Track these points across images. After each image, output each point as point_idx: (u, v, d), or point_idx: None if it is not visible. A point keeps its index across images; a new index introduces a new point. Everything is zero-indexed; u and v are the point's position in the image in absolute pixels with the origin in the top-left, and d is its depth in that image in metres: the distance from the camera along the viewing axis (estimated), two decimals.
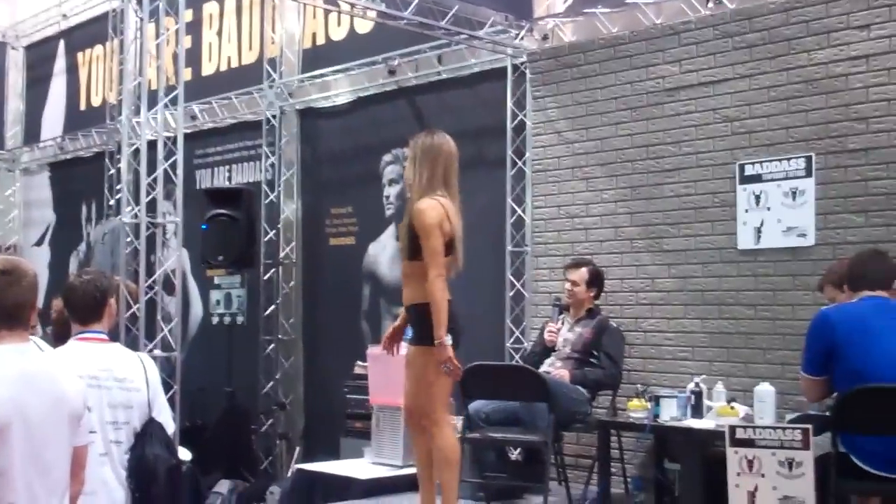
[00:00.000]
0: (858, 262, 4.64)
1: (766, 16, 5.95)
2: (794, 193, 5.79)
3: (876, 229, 5.47)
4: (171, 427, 4.19)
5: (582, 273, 6.21)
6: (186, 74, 8.72)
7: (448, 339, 4.56)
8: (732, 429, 3.37)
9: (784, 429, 3.30)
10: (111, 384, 3.96)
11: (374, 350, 6.35)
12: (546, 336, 6.22)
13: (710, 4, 6.22)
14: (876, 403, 4.22)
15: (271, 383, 8.96)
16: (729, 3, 6.11)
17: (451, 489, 4.66)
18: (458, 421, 5.81)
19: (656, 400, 5.68)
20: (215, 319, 9.60)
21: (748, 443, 3.40)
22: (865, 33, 5.56)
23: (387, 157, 8.25)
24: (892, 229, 5.42)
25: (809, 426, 3.28)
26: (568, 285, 6.23)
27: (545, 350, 6.25)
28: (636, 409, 5.76)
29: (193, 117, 9.79)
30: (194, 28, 9.97)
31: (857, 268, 4.63)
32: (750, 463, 3.40)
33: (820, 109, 5.71)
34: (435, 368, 4.59)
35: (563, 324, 6.25)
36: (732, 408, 5.27)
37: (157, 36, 6.65)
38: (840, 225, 5.62)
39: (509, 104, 7.28)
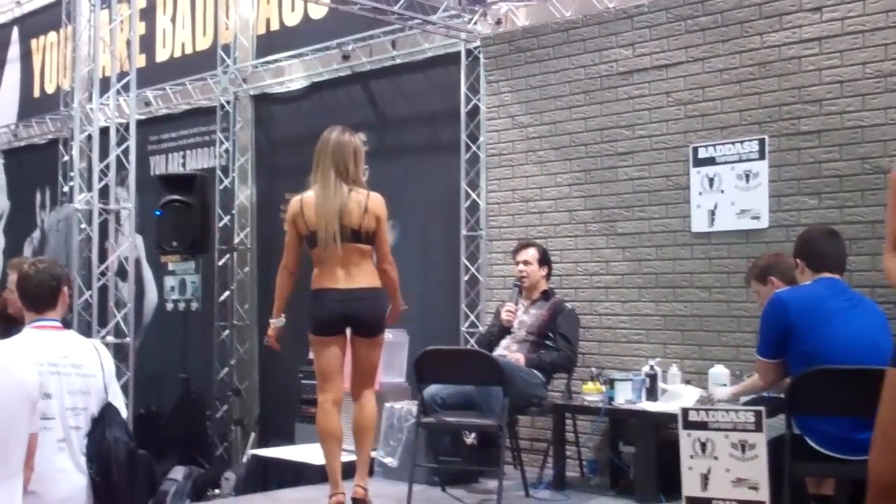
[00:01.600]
0: (817, 241, 4.61)
1: None
2: (747, 176, 5.82)
3: (830, 211, 5.51)
4: (124, 412, 4.18)
5: (532, 253, 6.23)
6: (140, 61, 8.63)
7: (276, 322, 5.20)
8: (685, 411, 3.37)
9: (737, 411, 3.31)
10: (69, 371, 3.94)
11: None
12: (504, 316, 6.21)
13: None
14: (830, 385, 4.21)
15: (226, 369, 8.92)
16: None
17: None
18: (413, 405, 5.81)
19: (611, 383, 5.72)
20: (170, 306, 9.53)
21: (701, 425, 3.40)
22: (817, 16, 5.59)
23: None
24: (844, 211, 5.46)
25: (762, 408, 3.28)
26: (520, 267, 6.23)
27: (501, 331, 6.25)
28: (591, 393, 5.78)
29: (147, 103, 9.75)
30: (148, 14, 9.91)
31: (816, 246, 4.60)
32: (703, 445, 3.40)
33: (773, 92, 5.73)
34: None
35: (519, 305, 6.25)
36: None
37: (111, 22, 6.54)
38: (793, 207, 5.66)
39: (463, 89, 7.25)
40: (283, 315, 5.20)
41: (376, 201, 5.00)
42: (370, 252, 5.05)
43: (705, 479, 3.45)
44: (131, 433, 4.20)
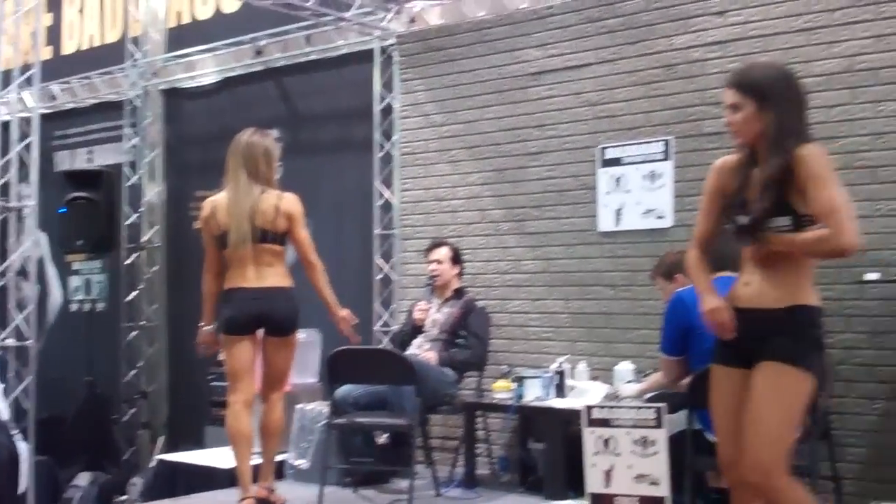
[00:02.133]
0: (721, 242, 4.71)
1: (627, 1, 6.07)
2: (652, 176, 5.93)
3: None
4: (5, 414, 4.07)
5: (444, 252, 6.25)
6: (46, 53, 8.44)
7: (208, 328, 5.22)
8: (589, 409, 3.42)
9: (638, 408, 3.36)
10: None
11: None
12: (416, 315, 6.22)
13: None
14: None
15: (133, 371, 8.74)
16: None
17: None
18: (324, 406, 5.79)
19: (520, 380, 5.76)
20: (75, 306, 9.28)
21: (604, 422, 3.45)
22: (721, 19, 5.72)
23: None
24: None
25: (662, 405, 3.35)
26: (433, 266, 6.24)
27: (414, 330, 6.25)
28: (501, 390, 5.82)
29: (53, 97, 9.52)
30: (54, 5, 9.68)
31: (716, 247, 4.70)
32: (606, 442, 3.45)
33: (678, 94, 5.85)
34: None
35: (431, 304, 6.27)
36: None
37: (14, 13, 6.38)
38: (696, 207, 5.61)
39: (377, 86, 7.24)
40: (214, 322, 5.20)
41: (289, 201, 5.04)
42: (282, 252, 5.10)
43: (608, 475, 3.51)
44: (11, 436, 4.10)
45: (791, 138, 3.29)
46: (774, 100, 3.33)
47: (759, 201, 3.32)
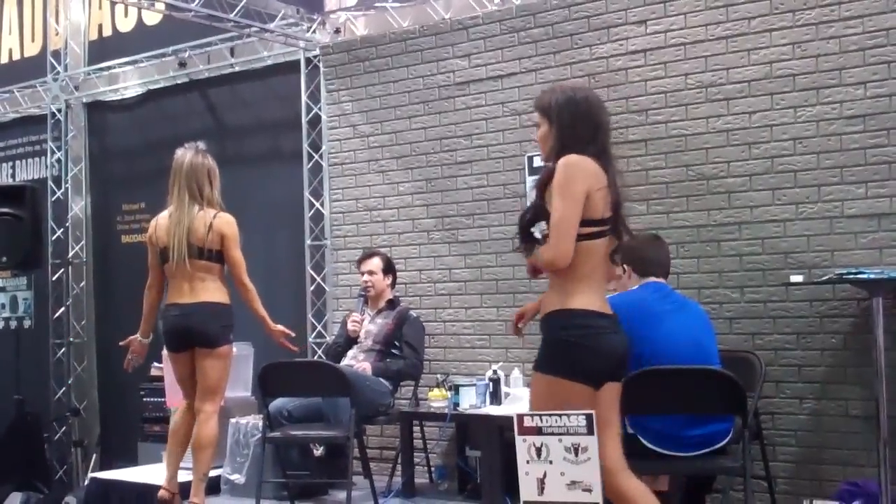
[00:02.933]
0: (643, 248, 4.78)
1: (549, 11, 6.13)
2: None
3: (657, 216, 5.72)
4: None
5: (376, 262, 6.26)
6: None
7: (144, 339, 5.54)
8: (520, 417, 3.43)
9: (569, 415, 3.39)
10: None
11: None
12: (349, 326, 6.23)
13: (497, 0, 6.36)
14: (659, 385, 4.37)
15: (63, 389, 8.62)
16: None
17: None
18: (259, 419, 5.77)
19: (456, 389, 5.79)
20: (1, 324, 9.14)
21: (535, 430, 3.46)
22: (642, 28, 5.80)
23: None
24: (671, 216, 5.68)
25: (592, 412, 3.38)
26: (365, 277, 6.25)
27: (348, 342, 6.26)
28: (437, 399, 5.86)
29: None
30: None
31: (642, 253, 4.77)
32: (538, 450, 3.47)
33: (602, 102, 5.89)
34: None
35: (365, 315, 6.27)
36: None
37: None
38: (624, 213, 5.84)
39: (304, 97, 7.23)
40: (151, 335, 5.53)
41: (221, 220, 5.27)
42: (218, 269, 5.32)
43: (542, 483, 3.52)
44: None
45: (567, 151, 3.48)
46: (559, 120, 3.55)
47: (527, 211, 3.57)
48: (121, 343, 5.66)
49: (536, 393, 3.60)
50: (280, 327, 5.48)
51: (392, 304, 6.28)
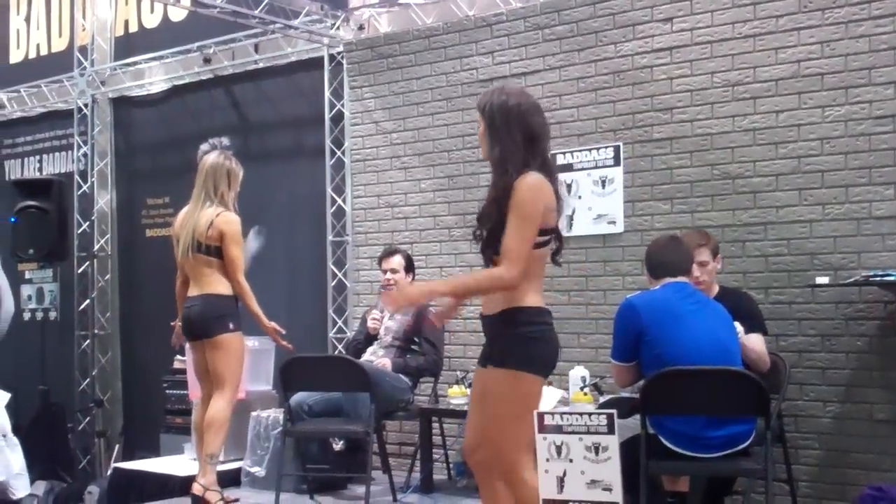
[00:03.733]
0: (657, 251, 4.77)
1: (574, 8, 6.10)
2: (603, 182, 5.97)
3: (681, 216, 5.69)
4: None
5: (398, 260, 6.24)
6: None
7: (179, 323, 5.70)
8: (541, 416, 3.43)
9: (590, 415, 3.38)
10: None
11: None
12: (369, 324, 6.23)
13: None
14: (681, 385, 4.36)
15: (88, 380, 8.69)
16: None
17: None
18: (280, 413, 5.79)
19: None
20: (27, 315, 9.22)
21: (556, 429, 3.45)
22: (668, 26, 5.76)
23: (204, 147, 8.04)
24: (696, 215, 5.65)
25: (614, 411, 3.36)
26: (388, 275, 6.23)
27: (368, 338, 6.26)
28: (457, 396, 5.83)
29: (1, 106, 9.50)
30: (0, 14, 9.59)
31: (656, 256, 4.76)
32: (559, 449, 3.47)
33: (627, 100, 5.89)
34: None
35: (385, 312, 6.27)
36: (586, 394, 5.39)
37: None
38: (647, 212, 5.82)
39: (327, 94, 7.23)
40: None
41: (223, 218, 5.43)
42: (217, 264, 5.46)
43: (561, 481, 3.51)
44: None
45: (512, 164, 3.58)
46: (495, 125, 3.64)
47: (486, 221, 3.65)
48: (171, 323, 5.86)
49: (497, 388, 3.63)
50: (273, 325, 5.61)
51: None
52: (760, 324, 5.03)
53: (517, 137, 3.61)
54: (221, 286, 5.44)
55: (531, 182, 3.54)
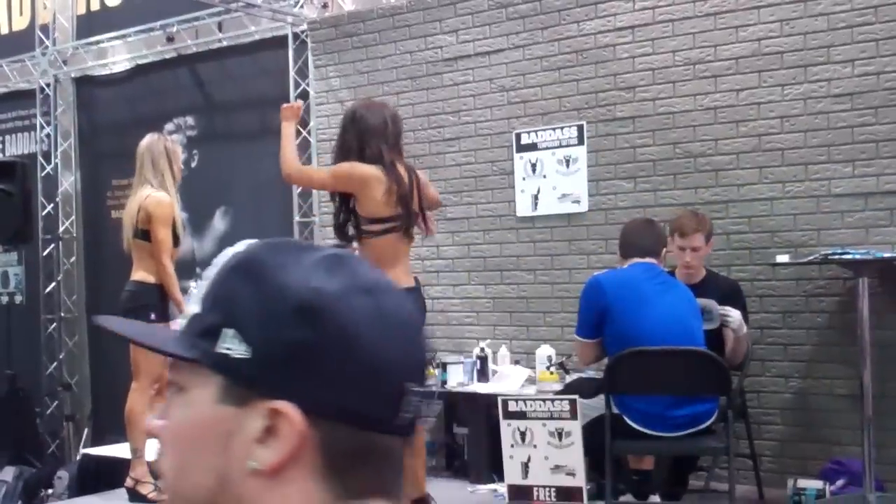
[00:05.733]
0: (629, 232, 4.80)
1: None
2: (567, 161, 5.98)
3: (644, 194, 5.72)
4: None
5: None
6: None
7: None
8: (505, 402, 3.48)
9: (553, 400, 3.43)
10: None
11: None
12: None
13: None
14: (645, 365, 4.40)
15: (55, 363, 8.64)
16: None
17: None
18: None
19: (444, 366, 5.81)
20: None
21: (520, 415, 3.51)
22: (630, 4, 5.76)
23: (169, 126, 8.02)
24: (658, 194, 5.68)
25: (576, 397, 3.42)
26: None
27: None
28: None
29: None
30: None
31: (627, 236, 4.79)
32: (522, 434, 3.52)
33: (590, 79, 5.89)
34: None
35: None
36: (552, 373, 5.43)
37: None
38: (611, 191, 5.85)
39: (292, 73, 7.19)
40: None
41: (151, 199, 5.30)
42: (148, 248, 5.34)
43: (526, 467, 3.57)
44: None
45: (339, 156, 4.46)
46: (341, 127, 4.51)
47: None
48: None
49: None
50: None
51: None
52: (745, 314, 4.96)
53: (350, 135, 4.48)
54: (147, 272, 5.32)
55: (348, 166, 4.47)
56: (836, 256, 4.73)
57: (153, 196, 5.31)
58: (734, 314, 4.76)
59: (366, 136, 4.36)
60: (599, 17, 5.86)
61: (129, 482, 5.34)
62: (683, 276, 4.93)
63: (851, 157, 5.11)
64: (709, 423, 4.44)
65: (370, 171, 4.32)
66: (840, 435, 5.10)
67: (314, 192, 7.12)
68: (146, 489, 5.28)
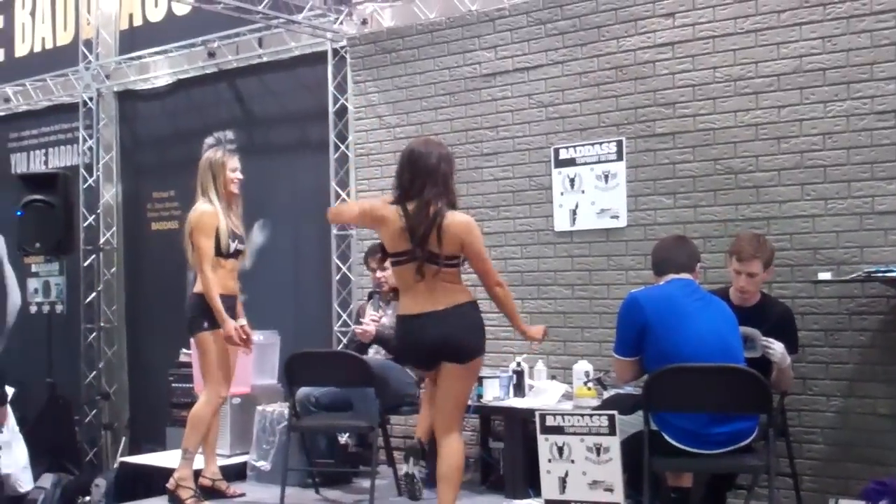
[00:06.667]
0: (662, 248, 4.78)
1: (577, 3, 6.09)
2: (606, 176, 5.98)
3: (684, 210, 5.70)
4: None
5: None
6: None
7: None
8: (543, 416, 3.47)
9: (591, 415, 3.42)
10: None
11: None
12: (358, 330, 6.04)
13: None
14: (684, 382, 4.34)
15: (94, 373, 8.75)
16: None
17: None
18: (285, 407, 5.82)
19: (479, 380, 5.79)
20: (34, 308, 9.30)
21: (558, 430, 3.50)
22: (670, 21, 5.76)
23: (209, 140, 8.10)
24: (698, 210, 5.66)
25: (615, 412, 3.41)
26: (378, 273, 6.14)
27: (361, 346, 6.16)
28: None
29: (7, 100, 9.56)
30: (6, 8, 9.69)
31: (660, 253, 4.76)
32: (560, 450, 3.51)
33: (629, 95, 5.89)
34: None
35: (380, 311, 6.18)
36: (589, 388, 5.41)
37: None
38: (650, 207, 5.84)
39: (331, 88, 7.25)
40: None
41: (194, 212, 5.41)
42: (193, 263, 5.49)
43: (563, 482, 3.56)
44: None
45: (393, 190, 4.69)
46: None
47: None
48: None
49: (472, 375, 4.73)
50: (233, 324, 5.36)
51: None
52: (795, 343, 4.91)
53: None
54: (198, 284, 5.41)
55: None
56: (880, 274, 4.69)
57: (196, 208, 5.42)
58: (777, 346, 4.69)
59: (414, 175, 4.51)
60: (639, 33, 5.86)
61: (171, 483, 5.39)
62: (737, 299, 4.87)
63: (895, 175, 5.06)
64: (748, 441, 4.39)
65: (385, 212, 4.52)
66: (882, 455, 5.04)
67: None
68: (186, 494, 5.33)
